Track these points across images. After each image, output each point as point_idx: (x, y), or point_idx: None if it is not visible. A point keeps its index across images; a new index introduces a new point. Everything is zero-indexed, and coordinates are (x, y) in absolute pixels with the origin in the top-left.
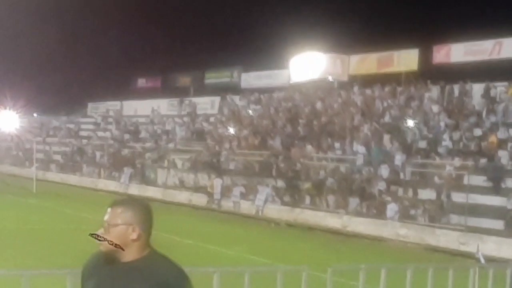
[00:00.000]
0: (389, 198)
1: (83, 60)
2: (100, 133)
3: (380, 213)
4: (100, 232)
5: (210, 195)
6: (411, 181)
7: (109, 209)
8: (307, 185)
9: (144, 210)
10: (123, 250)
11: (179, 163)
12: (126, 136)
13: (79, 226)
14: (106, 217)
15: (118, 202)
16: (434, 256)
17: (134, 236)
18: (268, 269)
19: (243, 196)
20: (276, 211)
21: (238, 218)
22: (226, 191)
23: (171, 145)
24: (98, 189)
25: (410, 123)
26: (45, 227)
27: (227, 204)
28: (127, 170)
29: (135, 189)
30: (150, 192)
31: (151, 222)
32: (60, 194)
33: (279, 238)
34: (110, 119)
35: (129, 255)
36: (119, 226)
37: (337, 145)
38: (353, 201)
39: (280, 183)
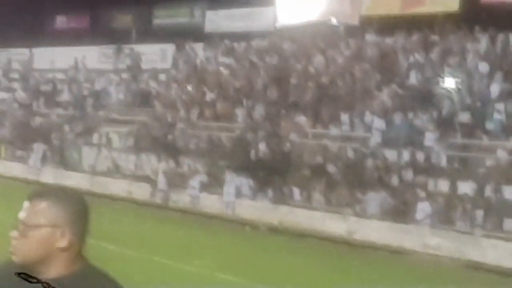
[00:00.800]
0: (421, 193)
1: None
2: None
3: (403, 215)
4: (12, 235)
5: (154, 184)
6: (448, 169)
7: (26, 204)
8: (298, 174)
9: (78, 206)
10: (45, 262)
11: (114, 139)
12: (38, 99)
13: None
14: (22, 215)
15: (40, 194)
16: (478, 276)
17: (62, 243)
18: None
19: (205, 187)
20: (254, 209)
21: (198, 218)
22: (180, 180)
23: (102, 113)
24: None
25: (448, 86)
26: None
27: (182, 199)
28: (38, 148)
29: (50, 175)
30: (72, 179)
31: (87, 224)
32: None
33: (258, 247)
34: (15, 74)
35: (54, 269)
36: (42, 228)
37: (343, 117)
38: (365, 197)
39: (260, 170)
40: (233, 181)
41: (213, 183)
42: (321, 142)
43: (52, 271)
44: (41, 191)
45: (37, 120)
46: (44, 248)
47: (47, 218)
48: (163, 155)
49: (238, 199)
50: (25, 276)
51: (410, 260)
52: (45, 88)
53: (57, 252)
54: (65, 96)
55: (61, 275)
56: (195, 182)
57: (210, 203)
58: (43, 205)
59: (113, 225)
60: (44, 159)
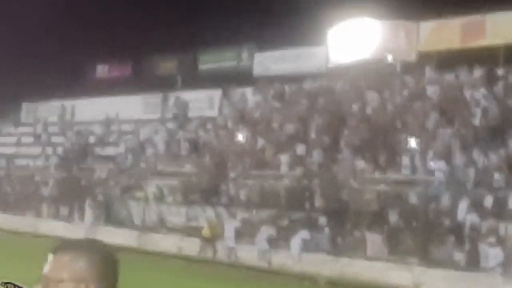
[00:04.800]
0: (491, 239)
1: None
2: (38, 150)
3: (473, 263)
4: None
5: (209, 241)
6: None
7: (50, 257)
8: (359, 222)
9: (105, 260)
10: None
11: (161, 193)
12: (80, 154)
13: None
14: (46, 269)
15: (65, 246)
16: None
17: None
18: None
19: (272, 241)
20: (312, 261)
21: (255, 274)
22: (246, 235)
23: (148, 166)
24: (39, 235)
25: None
26: None
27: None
28: (90, 205)
29: (97, 234)
30: (120, 237)
31: (115, 278)
32: None
33: None
34: (55, 128)
35: None
36: (65, 283)
37: (403, 160)
38: (430, 245)
39: (317, 220)
40: (293, 234)
41: (279, 238)
42: (379, 187)
43: None
44: (66, 244)
45: (81, 176)
46: None
47: (70, 272)
48: (214, 208)
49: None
50: None
51: None
52: (88, 141)
53: None
54: (109, 150)
55: None
56: (262, 235)
57: (276, 259)
58: (66, 258)
59: (164, 285)
60: (96, 216)
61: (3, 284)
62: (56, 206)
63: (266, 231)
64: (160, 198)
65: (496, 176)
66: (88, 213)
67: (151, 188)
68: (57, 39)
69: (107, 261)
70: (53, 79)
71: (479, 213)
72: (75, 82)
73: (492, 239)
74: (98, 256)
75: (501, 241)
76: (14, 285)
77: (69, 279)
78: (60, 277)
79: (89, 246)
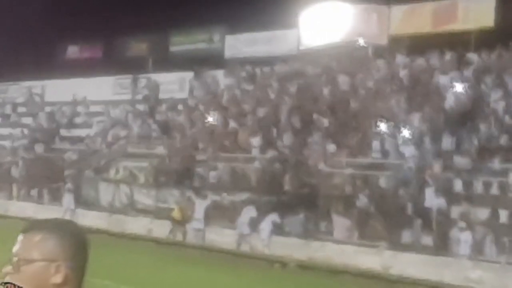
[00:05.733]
0: (459, 224)
1: None
2: (8, 130)
3: (441, 247)
4: (5, 271)
5: (179, 224)
6: (486, 196)
7: (20, 237)
8: (329, 206)
9: (75, 240)
10: None
11: (131, 174)
12: (50, 134)
13: None
14: (15, 249)
15: (35, 226)
16: None
17: (58, 278)
18: None
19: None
20: (282, 245)
21: (223, 257)
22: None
23: (119, 147)
24: (9, 216)
25: (485, 107)
26: None
27: (212, 237)
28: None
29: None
30: (89, 219)
31: (86, 258)
32: None
33: (288, 286)
34: (25, 109)
35: None
36: (36, 263)
37: (374, 144)
38: (399, 229)
39: (287, 203)
40: (264, 218)
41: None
42: (350, 171)
43: None
44: (35, 224)
45: (50, 157)
46: (37, 284)
47: (41, 251)
48: (187, 190)
49: (266, 234)
50: None
51: None
52: (58, 122)
53: None
54: (79, 131)
55: None
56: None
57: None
58: (36, 238)
59: (133, 267)
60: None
61: (3, 284)
62: (26, 187)
63: (248, 214)
64: (130, 180)
65: (466, 160)
66: (67, 197)
67: (121, 170)
68: (27, 20)
69: (77, 241)
70: (23, 60)
71: (448, 198)
72: (46, 63)
73: (460, 224)
74: (68, 236)
75: (469, 226)
76: (14, 284)
77: (40, 258)
78: (30, 257)
79: (59, 226)
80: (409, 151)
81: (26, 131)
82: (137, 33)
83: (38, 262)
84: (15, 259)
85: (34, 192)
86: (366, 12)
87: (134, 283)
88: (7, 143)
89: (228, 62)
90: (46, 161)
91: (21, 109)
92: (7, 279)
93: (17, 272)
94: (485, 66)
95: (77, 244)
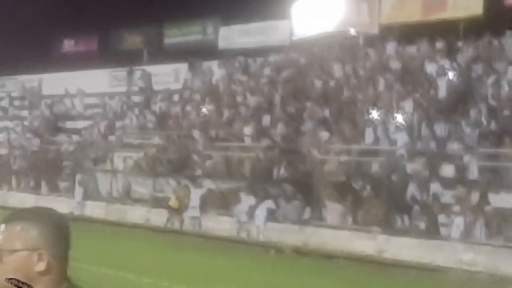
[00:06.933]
0: (451, 208)
1: None
2: (5, 123)
3: (434, 231)
4: None
5: (176, 211)
6: (479, 181)
7: (2, 227)
8: (323, 192)
9: (56, 227)
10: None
11: (128, 164)
12: (48, 127)
13: None
14: None
15: (16, 216)
16: None
17: (41, 266)
18: None
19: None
20: (277, 231)
21: (219, 244)
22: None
23: (115, 138)
24: (8, 207)
25: (475, 94)
26: None
27: (205, 224)
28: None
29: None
30: (88, 208)
31: (68, 245)
32: None
33: (284, 271)
34: (23, 102)
35: None
36: (18, 253)
37: (366, 131)
38: (392, 214)
39: (282, 190)
40: (260, 204)
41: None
42: (344, 158)
43: None
44: (16, 214)
45: (48, 149)
46: (21, 273)
47: (23, 241)
48: (183, 179)
49: (261, 221)
50: None
51: (445, 278)
52: (55, 114)
53: (37, 277)
54: (76, 123)
55: None
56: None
57: (227, 226)
58: (18, 228)
59: (132, 254)
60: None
61: (7, 280)
62: (25, 179)
63: (247, 202)
64: (127, 170)
65: (456, 146)
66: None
67: (118, 161)
68: (24, 15)
69: (58, 229)
70: (20, 54)
71: (440, 183)
72: (42, 57)
73: (452, 208)
74: (49, 224)
75: (461, 210)
76: (18, 280)
77: (22, 248)
78: (13, 247)
79: (40, 215)
80: (401, 137)
81: (25, 123)
82: (131, 26)
83: (20, 252)
84: None
85: (32, 183)
86: (357, 2)
87: (133, 270)
88: (5, 136)
89: (222, 53)
90: (44, 153)
91: (18, 103)
92: None
93: (1, 263)
94: (475, 54)
95: (59, 232)
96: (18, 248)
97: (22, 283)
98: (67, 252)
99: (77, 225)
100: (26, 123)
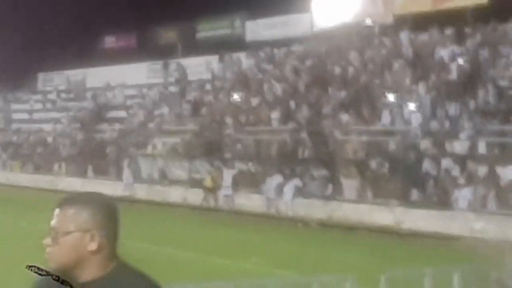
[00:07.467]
0: (463, 181)
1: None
2: (54, 114)
3: (447, 202)
4: (46, 243)
5: (210, 191)
6: (487, 156)
7: (57, 211)
8: (344, 170)
9: (105, 210)
10: (79, 266)
11: (166, 149)
12: (93, 117)
13: (40, 242)
14: (53, 222)
15: (69, 200)
16: None
17: (93, 246)
18: (301, 280)
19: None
20: (304, 206)
21: (251, 219)
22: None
23: (154, 125)
24: (59, 190)
25: (483, 76)
26: None
27: (238, 202)
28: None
29: (106, 187)
30: (132, 190)
31: (117, 225)
32: (10, 200)
33: (311, 243)
34: (70, 94)
35: (89, 272)
36: (72, 234)
37: (383, 113)
38: (409, 188)
39: (307, 169)
40: (287, 182)
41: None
42: (363, 138)
43: (87, 274)
44: (69, 198)
45: (93, 137)
46: (75, 253)
47: (76, 223)
48: (216, 161)
49: (289, 198)
50: (58, 280)
51: (458, 245)
52: (99, 105)
53: (89, 256)
54: (118, 112)
55: (95, 277)
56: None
57: (258, 203)
58: (71, 211)
59: (172, 231)
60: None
61: (28, 267)
62: (73, 164)
63: (275, 180)
64: (166, 154)
65: (467, 124)
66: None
67: (158, 146)
68: (69, 15)
69: (108, 211)
70: (66, 51)
71: (452, 158)
72: (86, 53)
73: (463, 181)
74: (100, 207)
75: (471, 183)
76: (39, 268)
77: (75, 229)
78: (67, 229)
79: (91, 199)
80: (415, 118)
81: (71, 114)
82: (166, 23)
83: (74, 233)
84: (53, 232)
85: (80, 168)
86: None
87: (172, 245)
88: (53, 126)
89: (249, 45)
90: (89, 141)
91: (65, 95)
92: (48, 250)
93: (56, 243)
94: (482, 39)
95: (108, 214)
96: (72, 230)
97: (63, 281)
98: (116, 232)
99: (122, 206)
100: (72, 113)
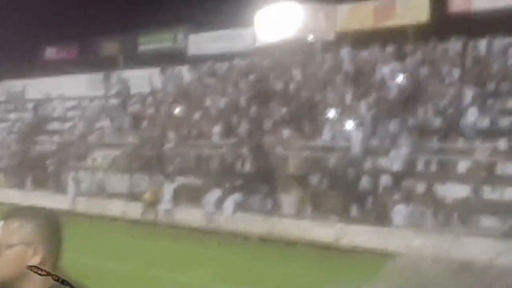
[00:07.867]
0: (396, 197)
1: None
2: None
3: (385, 219)
4: None
5: (150, 205)
6: (425, 173)
7: (1, 223)
8: (286, 185)
9: (50, 224)
10: (21, 279)
11: (105, 162)
12: (32, 129)
13: None
14: None
15: (13, 214)
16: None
17: (35, 260)
18: None
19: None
20: (244, 221)
21: (191, 233)
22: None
23: (94, 138)
24: None
25: (422, 93)
26: None
27: (180, 216)
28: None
29: (45, 200)
30: (69, 203)
31: (60, 240)
32: None
33: (251, 257)
34: (9, 105)
35: (31, 286)
36: (15, 247)
37: (324, 129)
38: (349, 204)
39: (248, 184)
40: (227, 196)
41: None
42: (304, 153)
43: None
44: (14, 211)
45: (32, 148)
46: (18, 266)
47: (19, 236)
48: (156, 175)
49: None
50: (57, 280)
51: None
52: (39, 117)
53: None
54: (58, 124)
55: None
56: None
57: (197, 218)
58: (15, 224)
59: (111, 244)
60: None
61: (28, 267)
62: (12, 176)
63: (215, 195)
64: (106, 167)
65: (406, 141)
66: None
67: (97, 158)
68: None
69: (52, 225)
70: (5, 61)
71: (391, 175)
72: (26, 64)
73: (402, 198)
74: (44, 221)
75: (409, 199)
76: (39, 268)
77: (18, 242)
78: (10, 242)
79: (35, 213)
80: (355, 134)
81: (10, 125)
82: (108, 34)
83: (17, 246)
84: None
85: (18, 180)
86: (315, 10)
87: (111, 259)
88: None
89: (191, 58)
90: (29, 152)
91: (5, 106)
92: None
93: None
94: (422, 57)
95: (52, 228)
96: (15, 243)
97: (12, 274)
98: (60, 247)
99: (62, 219)
100: (10, 124)
